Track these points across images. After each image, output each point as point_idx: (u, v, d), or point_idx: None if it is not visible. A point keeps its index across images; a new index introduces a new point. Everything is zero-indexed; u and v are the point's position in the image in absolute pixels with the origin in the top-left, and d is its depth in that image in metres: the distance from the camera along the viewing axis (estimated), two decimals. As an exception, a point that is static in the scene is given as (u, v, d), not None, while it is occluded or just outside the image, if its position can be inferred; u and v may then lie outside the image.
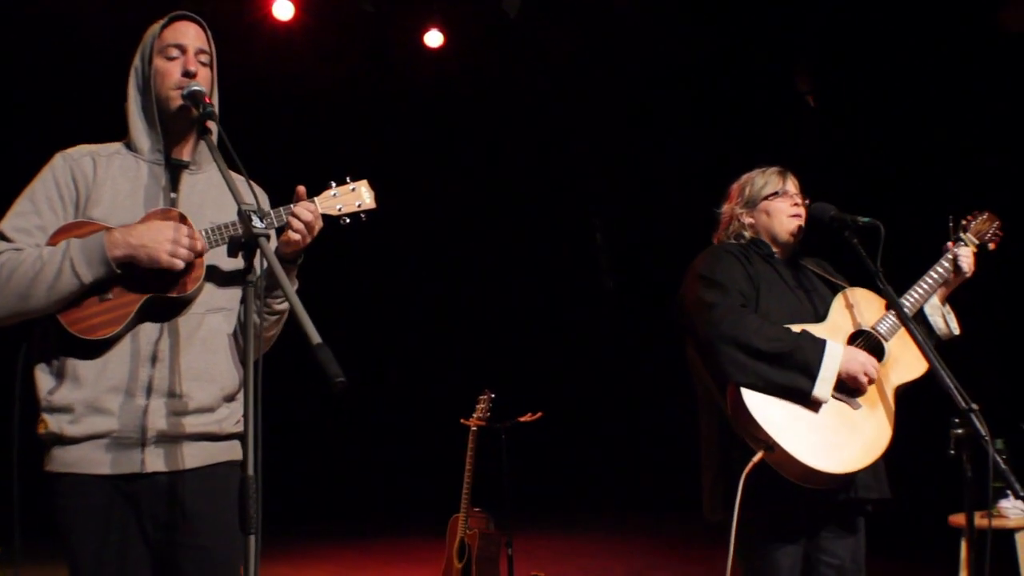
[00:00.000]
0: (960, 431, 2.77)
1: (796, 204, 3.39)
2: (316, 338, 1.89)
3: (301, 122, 6.53)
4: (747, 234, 3.42)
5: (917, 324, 3.26)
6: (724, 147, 3.71)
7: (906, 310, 3.25)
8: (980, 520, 3.62)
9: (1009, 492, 4.17)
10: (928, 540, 4.70)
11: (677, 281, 3.38)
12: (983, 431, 2.69)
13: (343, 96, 6.69)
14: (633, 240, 7.36)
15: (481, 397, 5.48)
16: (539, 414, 5.50)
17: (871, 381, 3.08)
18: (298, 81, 6.44)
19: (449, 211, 7.35)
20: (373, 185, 2.69)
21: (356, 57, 6.65)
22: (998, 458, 2.68)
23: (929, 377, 3.14)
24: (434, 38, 6.55)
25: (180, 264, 2.39)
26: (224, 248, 2.46)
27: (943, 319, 3.38)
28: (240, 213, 2.16)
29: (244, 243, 2.14)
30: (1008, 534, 4.30)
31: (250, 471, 2.05)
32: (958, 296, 3.43)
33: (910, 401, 3.17)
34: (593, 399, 7.05)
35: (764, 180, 3.46)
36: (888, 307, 3.26)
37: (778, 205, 3.39)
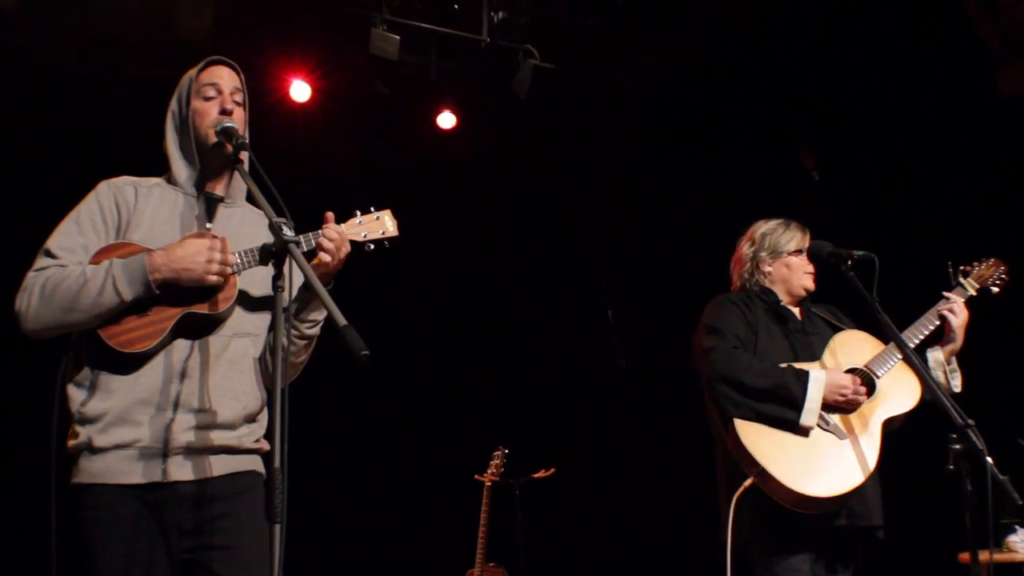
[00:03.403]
0: (958, 446, 2.87)
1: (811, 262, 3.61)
2: (342, 320, 2.03)
3: (316, 199, 6.72)
4: (763, 281, 3.63)
5: (917, 376, 3.42)
6: (734, 224, 3.89)
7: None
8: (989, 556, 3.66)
9: (1017, 527, 4.27)
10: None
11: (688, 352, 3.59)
12: (980, 445, 2.78)
13: (357, 174, 6.88)
14: (644, 317, 7.46)
15: (495, 453, 5.56)
16: (552, 470, 5.57)
17: (856, 400, 3.27)
18: (313, 160, 6.64)
19: (465, 281, 7.49)
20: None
21: (370, 137, 6.87)
22: (995, 470, 2.76)
23: (921, 410, 3.30)
24: (447, 120, 6.75)
25: (219, 279, 2.53)
26: (255, 277, 2.62)
27: (944, 375, 3.48)
28: (271, 225, 2.31)
29: (276, 252, 2.29)
30: (1017, 568, 4.33)
31: (276, 463, 2.14)
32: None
33: (924, 440, 3.27)
34: (606, 455, 7.07)
35: (790, 235, 3.67)
36: (887, 344, 3.42)
37: (799, 263, 3.62)
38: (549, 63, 6.20)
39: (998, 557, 4.32)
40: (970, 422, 2.82)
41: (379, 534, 6.63)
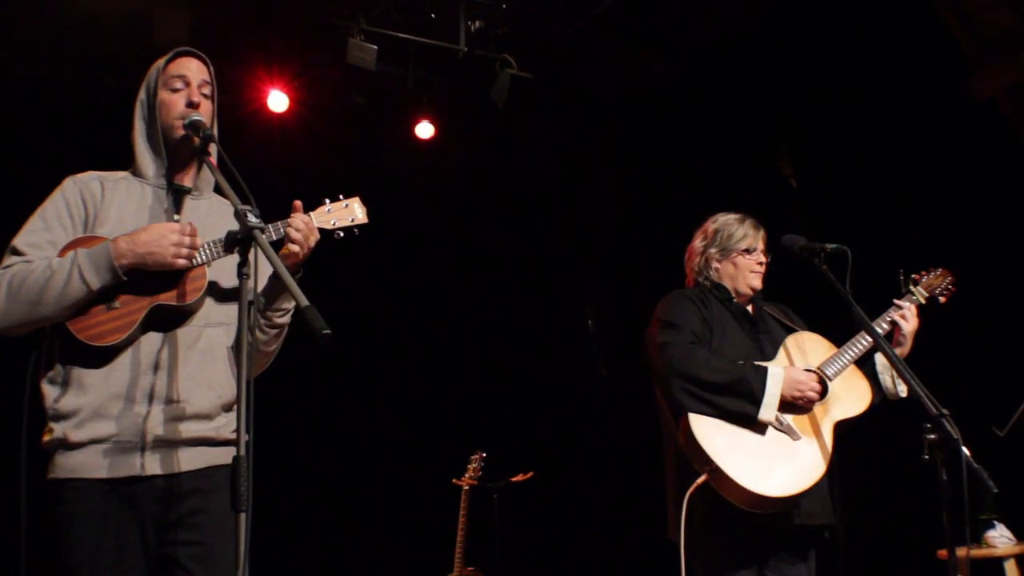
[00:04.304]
0: (932, 436, 2.86)
1: (760, 263, 3.62)
2: (304, 301, 2.02)
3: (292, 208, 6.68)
4: (713, 277, 3.62)
5: (867, 380, 3.47)
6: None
7: (855, 352, 3.43)
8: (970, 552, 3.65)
9: (996, 521, 4.27)
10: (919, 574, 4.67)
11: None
12: (955, 434, 2.78)
13: (335, 185, 6.84)
14: (626, 325, 7.46)
15: (473, 457, 5.55)
16: (530, 474, 5.56)
17: (812, 398, 3.26)
18: (291, 170, 6.60)
19: (445, 289, 7.49)
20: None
21: (348, 148, 6.85)
22: (970, 459, 2.75)
23: (870, 414, 3.37)
24: (425, 129, 6.74)
25: (186, 262, 2.51)
26: (225, 266, 2.60)
27: (892, 380, 3.53)
28: (236, 212, 2.30)
29: (240, 239, 2.28)
30: (996, 563, 4.32)
31: (241, 451, 2.13)
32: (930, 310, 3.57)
33: (903, 438, 3.27)
34: (584, 458, 7.06)
35: (743, 232, 3.64)
36: (839, 347, 3.44)
37: (746, 262, 3.60)
38: (527, 72, 6.20)
39: (977, 553, 4.32)
40: (945, 412, 2.81)
41: (357, 538, 6.60)
